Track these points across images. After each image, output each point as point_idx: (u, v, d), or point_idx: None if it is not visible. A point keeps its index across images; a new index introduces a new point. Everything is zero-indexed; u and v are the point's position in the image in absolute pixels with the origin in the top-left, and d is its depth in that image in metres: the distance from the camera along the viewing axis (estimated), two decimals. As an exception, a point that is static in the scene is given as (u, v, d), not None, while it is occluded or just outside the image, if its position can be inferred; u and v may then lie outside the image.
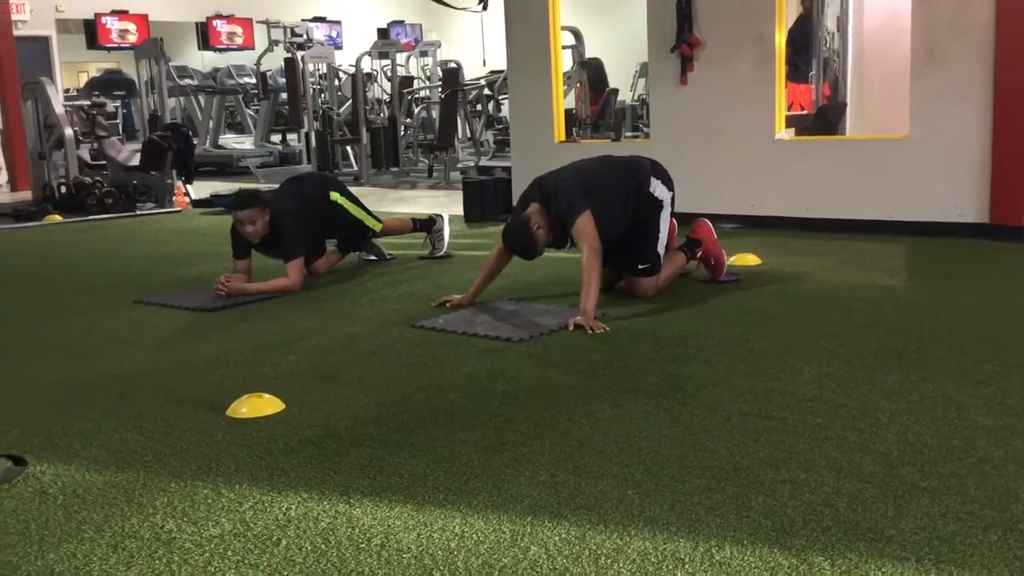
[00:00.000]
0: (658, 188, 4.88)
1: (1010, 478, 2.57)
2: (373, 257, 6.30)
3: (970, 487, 2.53)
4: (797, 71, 8.78)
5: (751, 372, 3.63)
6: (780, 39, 6.98)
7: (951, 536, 2.27)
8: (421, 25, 19.89)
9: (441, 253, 6.34)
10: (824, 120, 8.52)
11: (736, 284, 5.17)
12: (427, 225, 6.41)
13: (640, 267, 4.86)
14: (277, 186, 6.32)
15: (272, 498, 2.65)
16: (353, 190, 6.24)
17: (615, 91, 13.09)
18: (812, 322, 4.36)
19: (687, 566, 2.18)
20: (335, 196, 5.88)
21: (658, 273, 4.91)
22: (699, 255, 5.21)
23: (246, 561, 2.30)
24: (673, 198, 4.97)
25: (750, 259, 5.72)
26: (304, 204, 5.73)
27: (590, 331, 4.27)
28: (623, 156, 5.27)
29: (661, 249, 4.91)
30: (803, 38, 8.98)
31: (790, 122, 7.44)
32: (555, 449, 2.93)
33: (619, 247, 4.79)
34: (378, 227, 6.12)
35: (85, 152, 11.11)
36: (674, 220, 5.13)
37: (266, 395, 3.44)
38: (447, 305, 4.80)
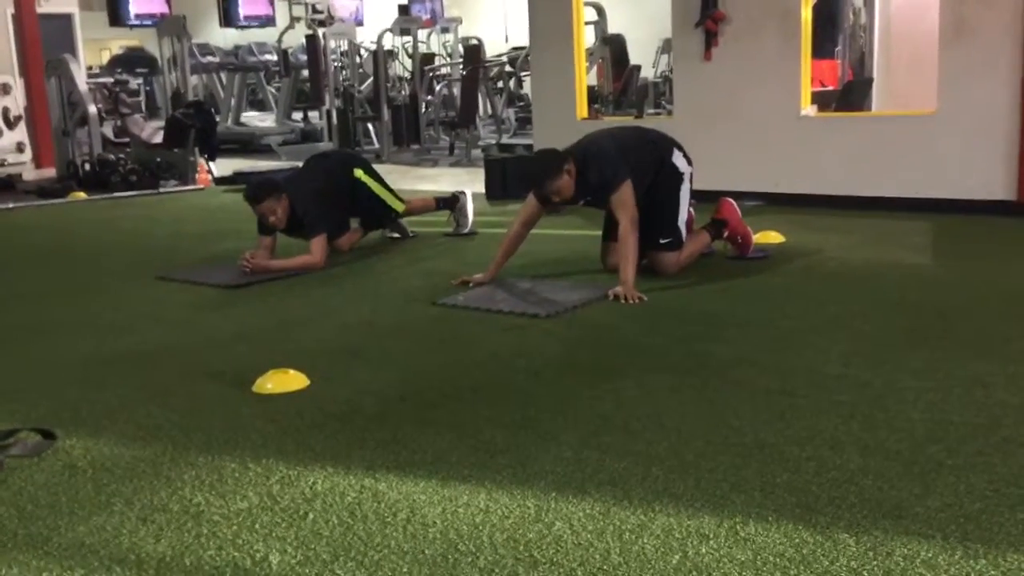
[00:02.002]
0: (679, 159, 4.90)
1: (1037, 456, 2.56)
2: (397, 235, 6.31)
3: (996, 465, 2.52)
4: (822, 47, 8.70)
5: (776, 350, 3.62)
6: (806, 14, 6.90)
7: (977, 514, 2.26)
8: (442, 1, 19.80)
9: (466, 230, 6.34)
10: (850, 96, 8.45)
11: (761, 262, 5.14)
12: (450, 203, 6.41)
13: (662, 241, 4.84)
14: (301, 164, 6.34)
15: (298, 472, 2.67)
16: (376, 168, 6.24)
17: (638, 67, 13.01)
18: (837, 300, 4.34)
19: (711, 542, 2.19)
20: (359, 173, 5.88)
21: (680, 249, 4.89)
22: (726, 236, 5.19)
23: (274, 534, 2.32)
24: (692, 175, 4.95)
25: (774, 237, 5.69)
26: (326, 181, 5.75)
27: (628, 301, 4.30)
28: (650, 128, 5.29)
29: (682, 225, 4.89)
30: (829, 13, 8.89)
31: (815, 98, 7.38)
32: (579, 426, 2.93)
33: (641, 220, 4.76)
34: (401, 208, 6.12)
35: (108, 129, 11.17)
36: (692, 201, 5.12)
37: (291, 371, 3.46)
38: (470, 284, 4.80)
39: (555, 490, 2.49)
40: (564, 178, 4.60)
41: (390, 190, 6.09)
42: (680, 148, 4.95)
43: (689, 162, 4.95)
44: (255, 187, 5.61)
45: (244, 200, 5.56)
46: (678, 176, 4.86)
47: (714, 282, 4.76)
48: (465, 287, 4.79)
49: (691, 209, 5.15)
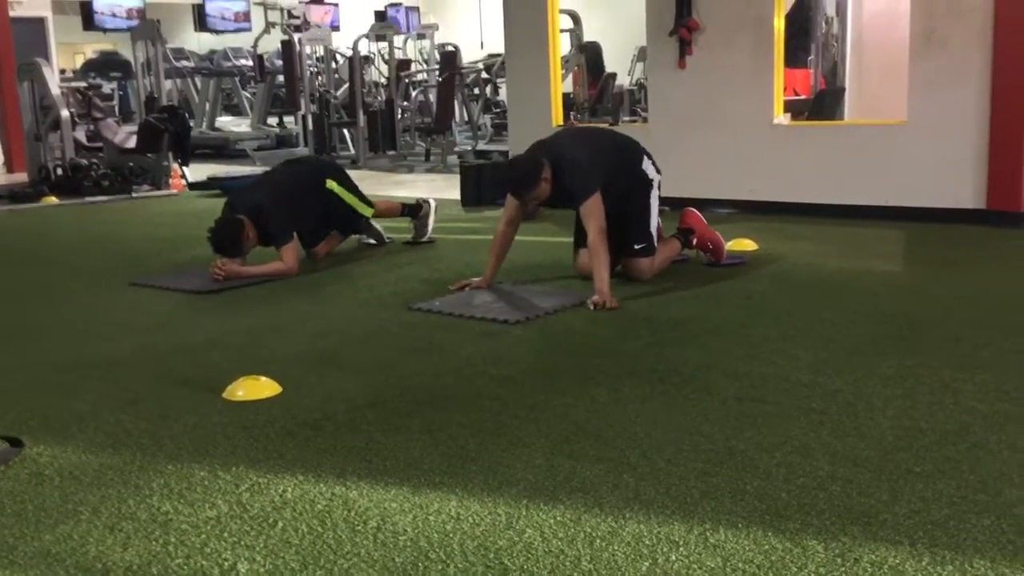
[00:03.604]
0: (649, 167, 4.93)
1: (1004, 463, 2.58)
2: (372, 241, 6.28)
3: (964, 472, 2.54)
4: (796, 56, 8.76)
5: (747, 357, 3.63)
6: (779, 23, 6.96)
7: (945, 520, 2.28)
8: (419, 8, 19.81)
9: (424, 239, 6.31)
10: (822, 105, 8.51)
11: (733, 269, 5.17)
12: (414, 210, 6.38)
13: (636, 247, 4.87)
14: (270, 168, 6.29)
15: (269, 480, 2.66)
16: (350, 173, 6.21)
17: (613, 75, 13.05)
18: (808, 308, 4.37)
19: (682, 549, 2.19)
20: (331, 184, 5.80)
21: (653, 255, 4.91)
22: (695, 243, 5.23)
23: (242, 542, 2.30)
24: (660, 182, 4.98)
25: (747, 244, 5.72)
26: (294, 188, 5.65)
27: (606, 306, 4.35)
28: (621, 134, 5.29)
29: (654, 231, 4.92)
30: (802, 23, 8.96)
31: (788, 107, 7.43)
32: (551, 433, 2.94)
33: (613, 228, 4.77)
34: (370, 212, 6.06)
35: (81, 134, 11.06)
36: (664, 209, 5.18)
37: (263, 378, 3.45)
38: (466, 289, 4.77)
39: (526, 497, 2.49)
40: (542, 186, 4.66)
41: (360, 196, 6.03)
42: (649, 156, 4.98)
43: (657, 170, 4.97)
44: (220, 245, 5.28)
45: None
46: (647, 183, 4.89)
47: (687, 289, 4.78)
48: (439, 292, 4.78)
49: (659, 218, 5.18)
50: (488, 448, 2.83)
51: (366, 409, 3.21)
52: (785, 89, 7.42)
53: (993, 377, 3.28)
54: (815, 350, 3.68)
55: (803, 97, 8.96)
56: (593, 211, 4.60)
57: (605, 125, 9.41)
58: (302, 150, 13.29)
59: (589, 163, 4.70)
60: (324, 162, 6.34)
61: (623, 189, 4.79)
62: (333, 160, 6.88)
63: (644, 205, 4.87)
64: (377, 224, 6.27)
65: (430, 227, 6.37)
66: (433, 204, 6.46)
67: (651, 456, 2.73)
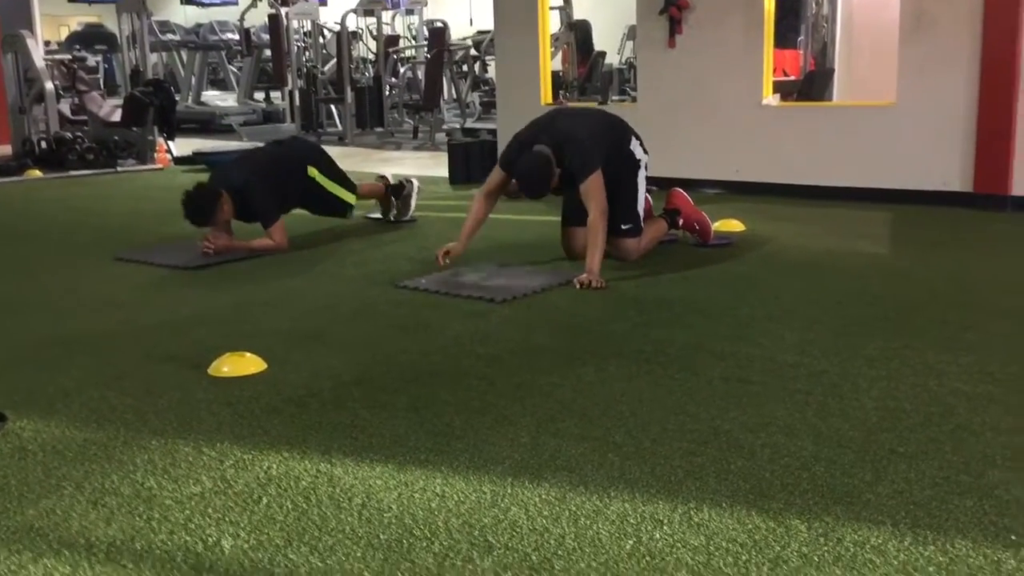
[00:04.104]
0: (636, 148, 4.91)
1: (987, 445, 2.60)
2: (378, 215, 6.28)
3: (947, 453, 2.56)
4: (785, 36, 8.74)
5: (733, 337, 3.64)
6: (769, 3, 6.93)
7: (927, 501, 2.29)
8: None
9: (406, 218, 6.29)
10: (812, 86, 8.50)
11: (721, 250, 5.17)
12: (397, 190, 6.31)
13: (623, 227, 4.86)
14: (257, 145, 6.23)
15: (253, 456, 2.65)
16: (337, 150, 6.17)
17: (602, 54, 13.02)
18: (795, 289, 4.38)
19: (666, 527, 2.20)
20: (313, 172, 5.69)
21: (640, 235, 4.91)
22: (681, 224, 5.23)
23: (227, 518, 2.30)
24: (647, 163, 4.97)
25: (734, 225, 5.72)
26: (276, 168, 5.57)
27: (593, 286, 4.35)
28: (610, 113, 5.26)
29: (641, 210, 4.92)
30: (792, 3, 8.94)
31: (777, 87, 7.42)
32: (537, 411, 2.94)
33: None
34: (353, 199, 5.95)
35: (66, 107, 10.99)
36: (653, 189, 5.17)
37: (248, 354, 3.43)
38: (446, 259, 4.73)
39: (511, 475, 2.49)
40: (555, 175, 4.62)
41: (343, 181, 5.91)
42: (637, 136, 4.96)
43: (645, 151, 4.96)
44: (192, 212, 5.25)
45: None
46: (635, 163, 4.88)
47: (674, 270, 4.79)
48: (427, 269, 4.76)
49: (648, 197, 5.18)
50: (474, 426, 2.83)
51: (352, 386, 3.21)
52: (775, 70, 7.41)
53: (977, 359, 3.30)
54: (801, 331, 3.69)
55: (792, 78, 8.95)
56: (594, 191, 4.59)
57: (594, 104, 9.40)
58: (288, 126, 13.23)
59: (590, 141, 4.68)
60: (307, 146, 6.22)
61: (613, 170, 4.78)
62: (316, 144, 6.74)
63: (632, 185, 4.86)
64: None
65: (413, 206, 6.34)
66: (416, 184, 6.42)
67: (636, 435, 2.73)
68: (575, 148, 4.61)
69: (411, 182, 6.41)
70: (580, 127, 4.78)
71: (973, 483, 2.38)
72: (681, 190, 5.34)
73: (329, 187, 5.80)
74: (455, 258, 4.77)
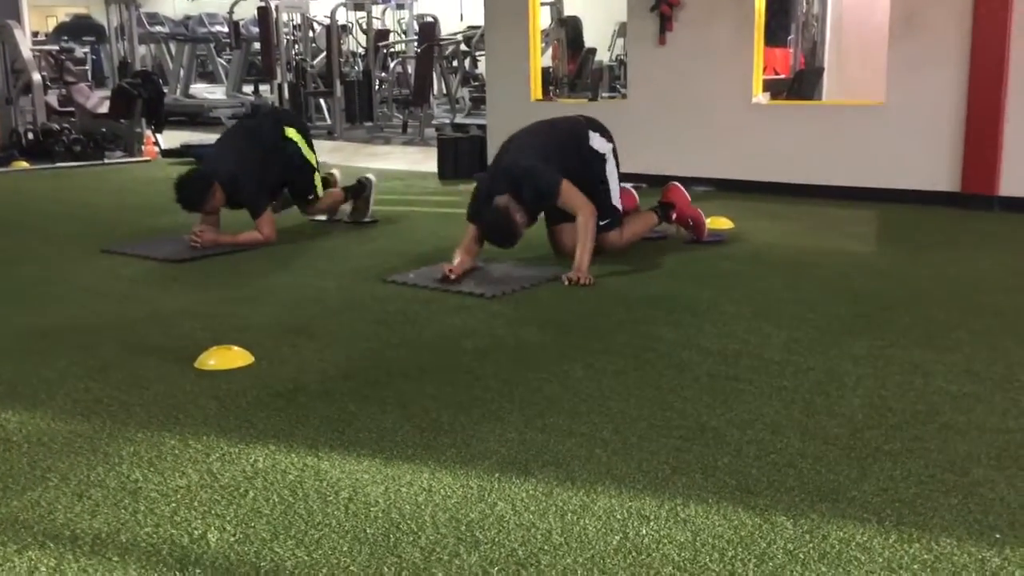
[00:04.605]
0: (597, 141, 4.88)
1: (972, 443, 2.61)
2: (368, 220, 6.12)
3: (932, 451, 2.57)
4: (775, 35, 8.76)
5: (721, 335, 3.65)
6: (759, 1, 6.94)
7: (912, 499, 2.30)
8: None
9: (366, 219, 6.07)
10: (801, 85, 8.53)
11: (709, 247, 5.18)
12: (356, 191, 6.14)
13: (601, 224, 4.85)
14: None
15: (240, 450, 2.64)
16: (327, 144, 6.13)
17: (593, 50, 13.02)
18: (782, 287, 4.39)
19: (652, 523, 2.20)
20: (290, 132, 5.60)
21: (620, 226, 4.93)
22: (674, 218, 5.24)
23: (213, 512, 2.29)
24: (614, 150, 4.95)
25: (723, 222, 5.73)
26: (257, 151, 5.47)
27: (580, 282, 4.36)
28: (559, 118, 5.11)
29: (617, 202, 4.92)
30: (782, 1, 8.95)
31: (767, 86, 7.44)
32: (524, 407, 2.94)
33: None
34: (320, 191, 5.86)
35: (53, 98, 10.93)
36: (633, 191, 5.17)
37: (235, 347, 3.42)
38: (451, 275, 4.50)
39: (498, 470, 2.49)
40: (519, 221, 4.53)
41: (316, 164, 5.80)
42: (596, 128, 4.93)
43: (609, 138, 4.93)
44: (185, 198, 5.24)
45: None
46: (600, 157, 4.87)
47: (662, 266, 4.79)
48: (414, 263, 4.75)
49: (634, 192, 5.19)
50: (461, 421, 2.83)
51: (339, 380, 3.20)
52: (765, 68, 7.43)
53: (963, 358, 3.31)
54: (788, 329, 3.70)
55: (782, 76, 8.97)
56: (572, 197, 4.59)
57: (584, 101, 9.40)
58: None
59: (541, 163, 4.63)
60: (280, 110, 6.11)
61: (578, 171, 4.77)
62: (291, 111, 6.55)
63: (602, 179, 4.86)
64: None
65: (371, 206, 6.11)
66: (374, 181, 6.20)
67: (624, 431, 2.73)
68: (530, 181, 4.56)
69: (369, 180, 6.18)
70: (529, 155, 4.68)
71: (958, 481, 2.39)
72: (679, 185, 5.33)
73: (307, 153, 5.68)
74: (460, 269, 4.54)
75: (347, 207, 6.15)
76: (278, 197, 5.75)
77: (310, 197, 5.86)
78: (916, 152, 6.41)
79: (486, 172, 4.82)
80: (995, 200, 6.18)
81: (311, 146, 5.79)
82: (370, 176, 6.26)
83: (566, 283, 4.38)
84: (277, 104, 12.97)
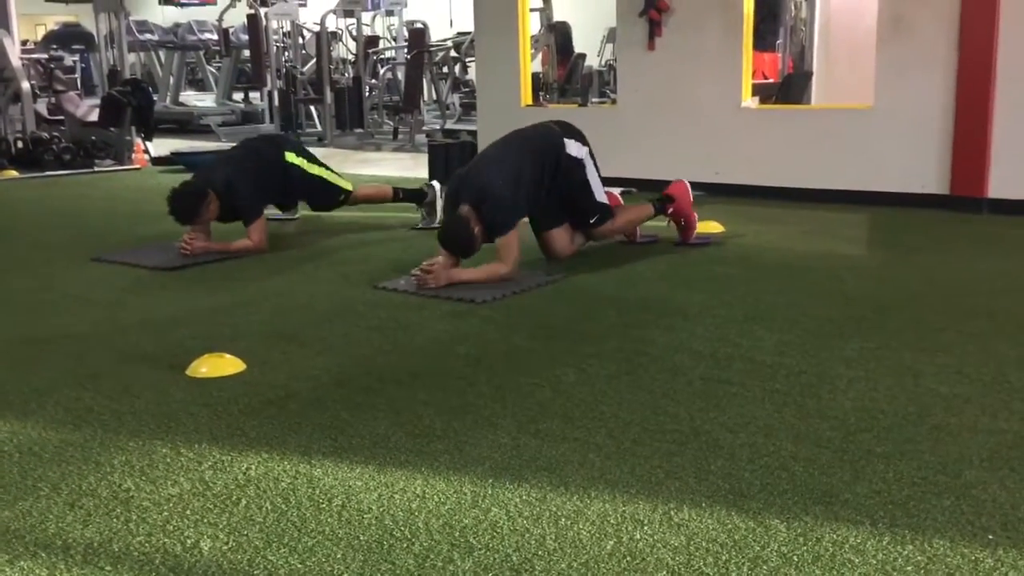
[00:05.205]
0: (573, 147, 4.86)
1: (964, 445, 2.62)
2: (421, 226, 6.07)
3: (925, 453, 2.57)
4: (764, 39, 8.79)
5: (713, 338, 3.65)
6: (748, 6, 6.97)
7: (905, 500, 2.31)
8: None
9: (436, 224, 5.85)
10: (790, 89, 8.55)
11: (700, 251, 5.19)
12: (418, 196, 6.14)
13: (591, 221, 4.95)
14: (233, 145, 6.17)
15: (232, 458, 2.64)
16: (317, 151, 6.12)
17: (582, 56, 13.04)
18: (773, 290, 4.40)
19: (646, 527, 2.20)
20: (290, 157, 5.66)
21: (612, 217, 5.00)
22: (670, 211, 5.26)
23: (205, 520, 2.28)
24: (590, 152, 4.93)
25: (713, 227, 5.74)
26: (255, 161, 5.55)
27: (422, 279, 4.42)
28: (533, 129, 5.01)
29: (602, 198, 4.95)
30: (771, 6, 8.99)
31: (756, 90, 7.46)
32: (517, 412, 2.93)
33: (566, 211, 4.94)
34: (349, 186, 5.95)
35: (42, 107, 10.89)
36: (618, 194, 5.26)
37: (227, 355, 3.41)
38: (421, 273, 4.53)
39: (492, 476, 2.49)
40: (477, 234, 4.47)
41: (331, 170, 5.92)
42: (570, 134, 4.90)
43: (584, 142, 4.91)
44: (178, 210, 5.22)
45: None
46: (578, 163, 4.86)
47: (653, 270, 4.80)
48: (405, 270, 4.74)
49: (616, 194, 5.25)
50: (454, 427, 2.83)
51: (331, 387, 3.20)
52: (754, 72, 7.45)
53: (954, 360, 3.32)
54: (779, 332, 3.70)
55: (771, 80, 9.00)
56: (509, 248, 4.53)
57: (574, 107, 9.41)
58: (268, 126, 13.17)
59: (510, 192, 4.56)
60: (281, 136, 6.16)
61: (556, 181, 4.79)
62: (289, 136, 6.60)
63: (583, 183, 4.88)
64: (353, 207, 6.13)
65: (439, 212, 5.94)
66: (438, 188, 6.08)
67: (617, 436, 2.73)
68: (494, 204, 4.51)
69: (432, 187, 6.15)
70: (505, 176, 4.60)
71: (950, 483, 2.39)
72: (686, 183, 5.35)
73: (312, 170, 5.74)
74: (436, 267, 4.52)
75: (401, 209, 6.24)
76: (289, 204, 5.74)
77: (340, 198, 5.90)
78: (905, 155, 6.44)
79: (459, 175, 4.75)
80: (984, 202, 6.20)
81: (317, 162, 5.82)
82: (434, 183, 6.22)
83: (418, 274, 4.45)
84: (272, 118, 12.95)
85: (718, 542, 2.13)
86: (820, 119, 7.02)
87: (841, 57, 9.12)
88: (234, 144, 6.16)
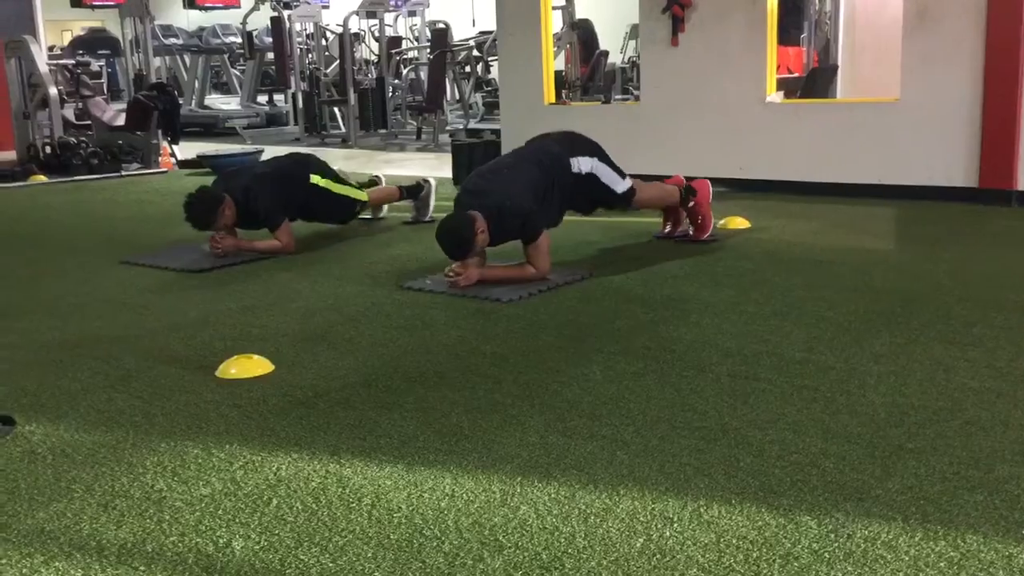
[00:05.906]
0: (579, 164, 4.79)
1: (996, 440, 2.60)
2: (368, 216, 6.29)
3: (956, 448, 2.55)
4: (788, 33, 8.73)
5: (740, 334, 3.64)
6: (772, 0, 6.93)
7: (937, 496, 2.29)
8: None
9: (426, 218, 6.26)
10: (815, 83, 8.49)
11: (725, 247, 5.18)
12: (413, 191, 6.34)
13: (621, 200, 5.00)
14: (262, 147, 6.22)
15: (262, 458, 2.66)
16: (341, 152, 6.16)
17: (605, 53, 13.02)
18: (801, 285, 4.37)
19: (675, 525, 2.20)
20: (315, 179, 5.66)
21: (635, 194, 5.01)
22: (691, 204, 5.26)
23: (237, 520, 2.30)
24: (598, 156, 4.86)
25: (739, 222, 5.72)
26: (278, 174, 5.58)
27: (453, 280, 4.43)
28: (537, 147, 4.90)
29: (625, 184, 4.95)
30: (795, 0, 8.92)
31: (780, 85, 7.42)
32: (545, 410, 2.94)
33: (591, 206, 5.06)
34: (365, 197, 5.96)
35: (70, 112, 10.99)
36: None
37: (255, 356, 3.44)
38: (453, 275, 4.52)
39: (521, 474, 2.49)
40: (479, 237, 4.37)
41: (350, 184, 5.93)
42: (573, 151, 4.80)
43: (588, 152, 4.84)
44: (194, 216, 5.24)
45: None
46: (589, 177, 4.81)
47: (679, 267, 4.78)
48: (429, 270, 4.75)
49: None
50: (482, 426, 2.83)
51: (359, 387, 3.21)
52: (778, 67, 7.41)
53: (984, 354, 3.29)
54: (807, 327, 3.68)
55: (796, 75, 8.94)
56: (542, 252, 4.51)
57: (597, 104, 9.39)
58: (292, 128, 13.24)
59: (534, 206, 4.52)
60: (307, 157, 6.17)
61: (570, 190, 4.78)
62: (313, 156, 6.63)
63: (602, 188, 4.87)
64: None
65: (431, 206, 6.31)
66: (433, 183, 6.42)
67: (645, 433, 2.73)
68: (518, 215, 4.44)
69: (428, 182, 6.40)
70: (522, 188, 4.54)
71: (983, 478, 2.37)
72: (708, 183, 5.36)
73: (336, 189, 5.79)
74: (463, 268, 4.51)
75: (407, 208, 6.37)
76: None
77: (357, 209, 5.95)
78: (932, 148, 6.38)
79: (468, 188, 4.66)
80: (1013, 195, 6.13)
81: (342, 182, 5.87)
82: (430, 179, 6.48)
83: (449, 275, 4.46)
84: (296, 120, 13.01)
85: (748, 539, 2.13)
86: (846, 113, 6.96)
87: (866, 50, 9.05)
88: (258, 148, 6.20)
